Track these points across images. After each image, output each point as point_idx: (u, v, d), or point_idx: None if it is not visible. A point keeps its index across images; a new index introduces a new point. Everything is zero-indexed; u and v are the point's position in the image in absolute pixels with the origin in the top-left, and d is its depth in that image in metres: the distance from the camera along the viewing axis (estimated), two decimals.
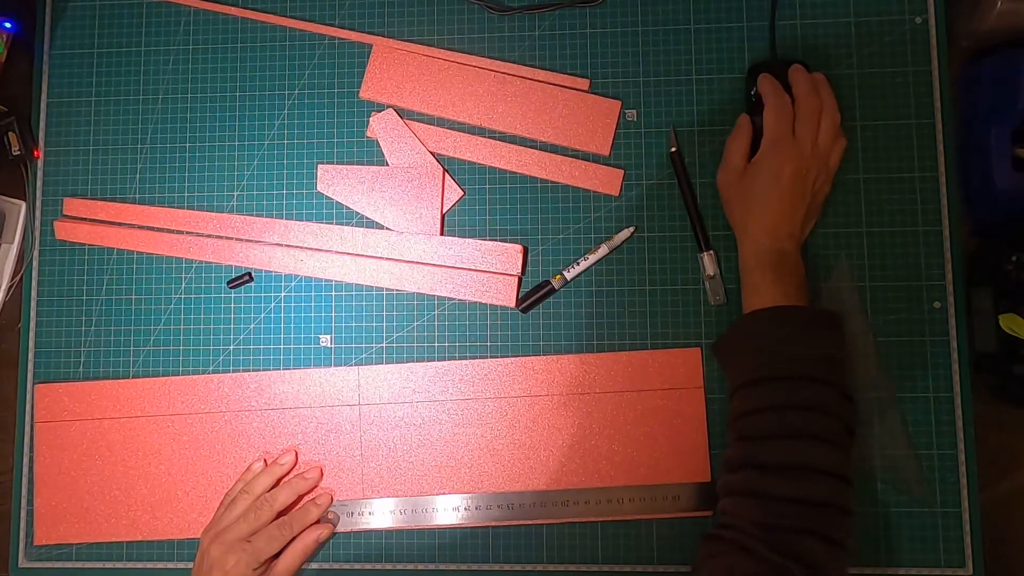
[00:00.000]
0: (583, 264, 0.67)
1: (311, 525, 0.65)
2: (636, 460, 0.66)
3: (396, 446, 0.67)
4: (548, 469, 0.66)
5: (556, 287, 0.67)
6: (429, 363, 0.68)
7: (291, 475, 0.67)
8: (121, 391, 0.69)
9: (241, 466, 0.68)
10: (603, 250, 0.67)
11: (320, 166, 0.70)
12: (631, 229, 0.67)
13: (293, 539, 0.64)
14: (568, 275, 0.67)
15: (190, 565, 0.67)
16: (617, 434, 0.66)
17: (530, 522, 0.66)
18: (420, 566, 0.67)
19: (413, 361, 0.68)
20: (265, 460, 0.67)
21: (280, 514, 0.65)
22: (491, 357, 0.68)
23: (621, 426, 0.66)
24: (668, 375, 0.66)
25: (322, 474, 0.67)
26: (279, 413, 0.68)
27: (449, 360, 0.68)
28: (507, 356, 0.68)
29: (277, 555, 0.63)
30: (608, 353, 0.67)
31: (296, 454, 0.68)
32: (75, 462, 0.69)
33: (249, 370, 0.69)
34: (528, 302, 0.67)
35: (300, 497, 0.66)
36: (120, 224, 0.71)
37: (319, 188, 0.70)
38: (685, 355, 0.67)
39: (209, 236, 0.70)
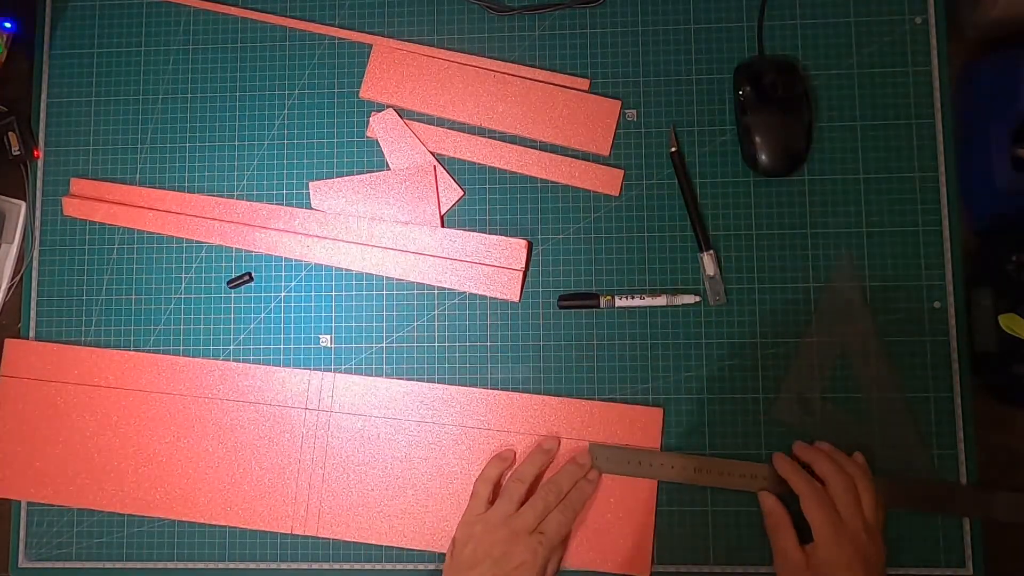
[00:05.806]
0: (636, 301, 0.66)
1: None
2: (584, 510, 0.65)
3: (350, 456, 0.67)
4: None
5: (600, 306, 0.67)
6: (393, 380, 0.68)
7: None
8: (88, 358, 0.69)
9: (197, 449, 0.68)
10: (661, 300, 0.66)
11: (311, 183, 0.70)
12: (695, 298, 0.66)
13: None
14: (618, 302, 0.66)
15: (190, 565, 0.67)
16: None
17: None
18: (420, 566, 0.67)
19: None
20: (514, 452, 0.66)
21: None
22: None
23: None
24: (627, 431, 0.66)
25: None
26: (238, 406, 0.68)
27: (414, 380, 0.68)
28: (485, 381, 0.68)
29: None
30: (571, 399, 0.66)
31: (559, 441, 0.66)
32: (31, 420, 0.69)
33: None
34: (568, 303, 0.67)
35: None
36: (127, 205, 0.71)
37: (313, 205, 0.70)
38: (648, 413, 0.66)
39: (216, 219, 0.70)
